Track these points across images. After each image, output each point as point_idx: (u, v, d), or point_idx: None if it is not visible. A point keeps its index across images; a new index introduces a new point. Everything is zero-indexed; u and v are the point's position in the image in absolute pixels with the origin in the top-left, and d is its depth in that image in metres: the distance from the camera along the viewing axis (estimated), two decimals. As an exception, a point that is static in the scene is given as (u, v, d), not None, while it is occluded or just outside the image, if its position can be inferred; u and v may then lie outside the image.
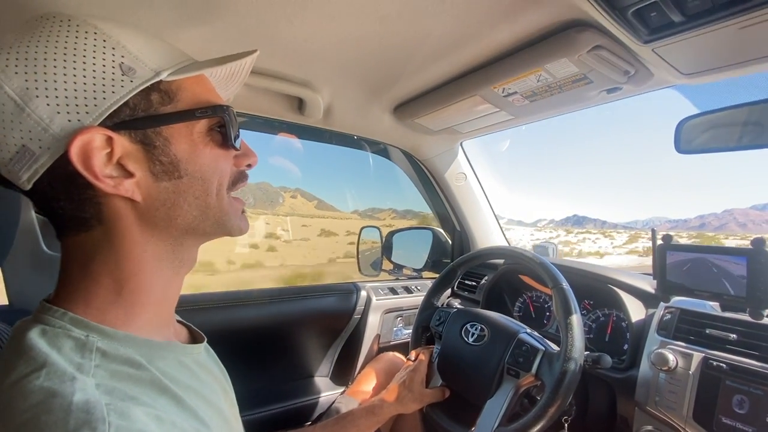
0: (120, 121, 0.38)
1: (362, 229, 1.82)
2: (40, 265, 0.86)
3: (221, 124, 0.44)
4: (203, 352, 0.53)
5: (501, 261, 1.34)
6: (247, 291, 1.21)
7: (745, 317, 0.77)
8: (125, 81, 0.38)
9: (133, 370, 0.37)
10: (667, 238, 0.83)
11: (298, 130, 1.26)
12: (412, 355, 1.09)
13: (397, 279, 1.67)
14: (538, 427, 0.79)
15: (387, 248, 1.77)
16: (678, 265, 0.81)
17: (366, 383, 1.20)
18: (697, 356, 0.79)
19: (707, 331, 0.81)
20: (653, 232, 0.85)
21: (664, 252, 0.83)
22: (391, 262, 1.76)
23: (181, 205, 0.42)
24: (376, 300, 1.35)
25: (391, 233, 1.80)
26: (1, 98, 0.36)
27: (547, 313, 1.26)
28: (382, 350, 1.36)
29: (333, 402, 1.21)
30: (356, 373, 1.30)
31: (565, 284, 0.88)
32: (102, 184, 0.37)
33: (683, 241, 0.93)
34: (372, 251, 1.82)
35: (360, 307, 1.33)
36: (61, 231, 0.41)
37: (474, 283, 1.48)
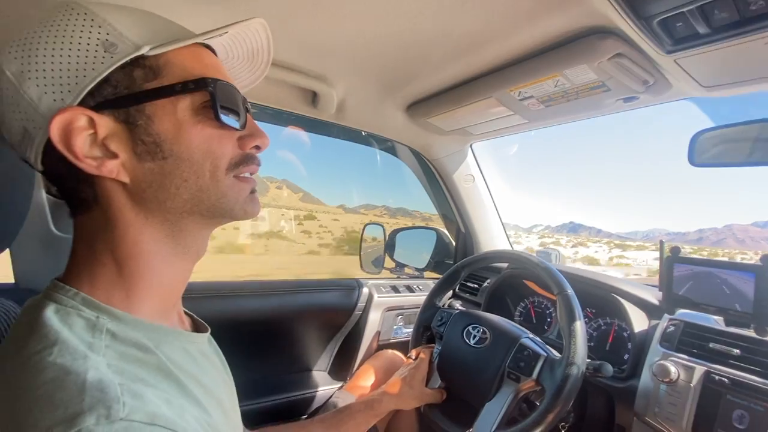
0: (103, 100, 0.37)
1: (366, 225, 1.82)
2: (48, 245, 0.86)
3: (210, 100, 0.41)
4: (206, 342, 0.53)
5: (504, 265, 1.34)
6: (249, 281, 1.21)
7: (749, 333, 0.77)
8: (106, 58, 0.37)
9: (141, 354, 0.37)
10: (675, 250, 0.83)
11: (309, 123, 1.26)
12: (413, 353, 1.09)
13: (399, 277, 1.68)
14: (538, 430, 0.79)
15: (390, 246, 1.77)
16: (685, 278, 0.81)
17: (364, 379, 1.20)
18: (699, 369, 0.79)
19: (710, 345, 0.81)
20: (661, 243, 0.85)
21: (671, 264, 0.83)
22: (394, 260, 1.77)
23: (167, 187, 0.40)
24: (378, 297, 1.35)
25: (395, 232, 1.80)
26: (5, 82, 0.37)
27: (549, 319, 1.26)
28: (381, 348, 1.36)
29: (330, 396, 1.22)
30: (355, 369, 1.31)
31: (570, 291, 0.88)
32: (84, 165, 0.37)
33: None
34: (374, 248, 1.83)
35: (361, 304, 1.33)
36: (72, 211, 0.42)
37: (476, 286, 1.48)
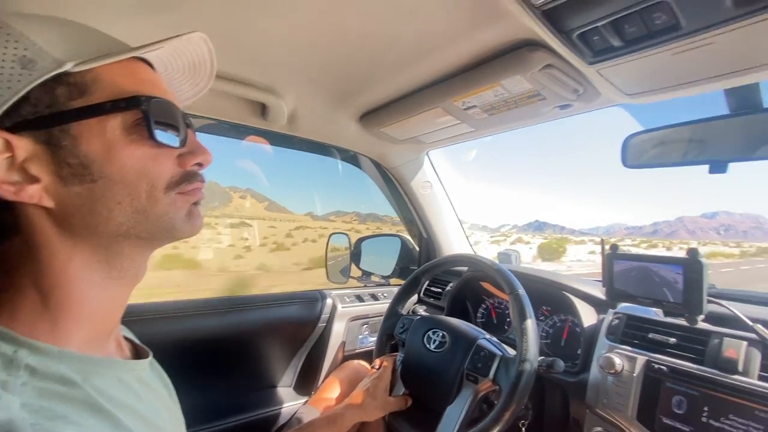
0: (21, 120, 0.35)
1: (331, 235, 1.81)
2: None
3: (144, 119, 0.39)
4: (147, 367, 0.50)
5: (465, 268, 1.37)
6: (206, 299, 1.17)
7: (683, 322, 0.82)
8: (23, 75, 0.34)
9: (65, 389, 0.35)
10: (614, 247, 0.88)
11: (266, 135, 1.25)
12: (377, 362, 1.09)
13: (366, 286, 1.67)
14: (497, 429, 0.81)
15: (356, 255, 1.76)
16: (624, 273, 0.85)
17: (329, 392, 1.19)
18: (641, 359, 0.84)
19: (650, 336, 0.86)
20: (602, 241, 0.90)
21: (611, 261, 0.87)
22: (360, 269, 1.76)
23: (99, 212, 0.38)
24: (342, 308, 1.34)
25: (360, 240, 1.80)
26: None
27: (508, 319, 1.29)
28: (347, 358, 1.35)
29: (294, 413, 1.19)
30: (320, 382, 1.29)
31: (521, 290, 0.91)
32: (1, 191, 0.35)
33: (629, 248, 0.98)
34: (341, 258, 1.82)
35: (325, 315, 1.32)
36: None
37: (439, 290, 1.50)
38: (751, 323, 0.72)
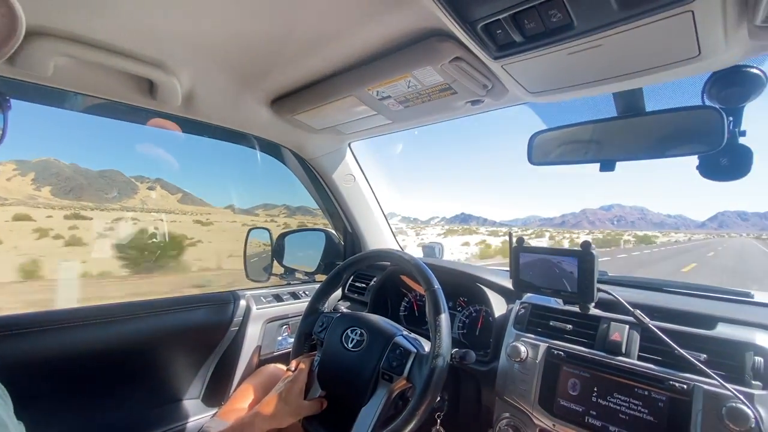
0: None
1: (250, 230, 1.68)
2: None
3: None
4: None
5: (388, 263, 1.35)
6: (99, 306, 1.01)
7: (578, 309, 0.89)
8: None
9: None
10: (520, 240, 0.91)
11: (177, 122, 1.09)
12: (293, 365, 1.02)
13: (289, 284, 1.59)
14: (410, 427, 0.79)
15: (278, 251, 1.67)
16: (528, 265, 0.89)
17: (241, 401, 1.10)
18: (543, 346, 0.89)
19: (551, 323, 0.92)
20: (510, 235, 0.93)
21: (517, 253, 0.91)
22: (283, 266, 1.67)
23: None
24: (257, 309, 1.25)
25: (283, 235, 1.70)
26: None
27: None
28: (263, 363, 1.26)
29: (201, 427, 1.08)
30: (232, 391, 1.18)
31: (437, 285, 0.91)
32: None
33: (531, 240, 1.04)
34: (263, 255, 1.70)
35: (238, 318, 1.21)
36: None
37: (364, 285, 1.47)
38: (631, 308, 0.79)
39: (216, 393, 1.20)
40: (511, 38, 0.58)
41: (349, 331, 0.98)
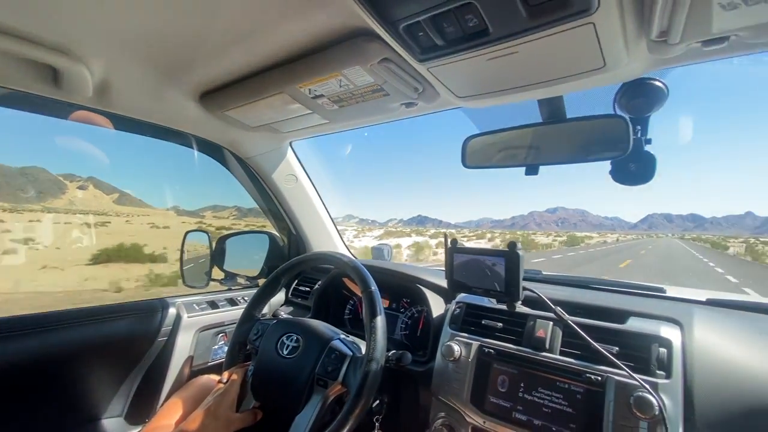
0: None
1: (187, 233, 1.58)
2: None
3: None
4: None
5: (333, 266, 1.33)
6: (7, 318, 0.90)
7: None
8: None
9: None
10: (454, 242, 0.93)
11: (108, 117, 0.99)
12: (224, 376, 0.97)
13: (230, 289, 1.51)
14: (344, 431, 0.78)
15: (218, 255, 1.58)
16: (462, 265, 0.91)
17: (168, 417, 1.02)
18: (475, 345, 0.91)
19: (483, 322, 0.94)
20: (446, 236, 0.94)
21: (452, 254, 0.92)
22: (223, 270, 1.58)
23: None
24: (189, 317, 1.17)
25: (223, 238, 1.61)
26: None
27: None
28: (195, 374, 1.19)
29: None
30: (159, 406, 1.10)
31: (373, 287, 0.90)
32: None
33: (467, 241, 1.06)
34: (202, 260, 1.61)
35: (166, 327, 1.13)
36: None
37: (308, 289, 1.43)
38: (552, 306, 0.83)
39: (141, 409, 1.11)
40: (434, 41, 0.59)
41: (284, 337, 0.95)
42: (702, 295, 1.07)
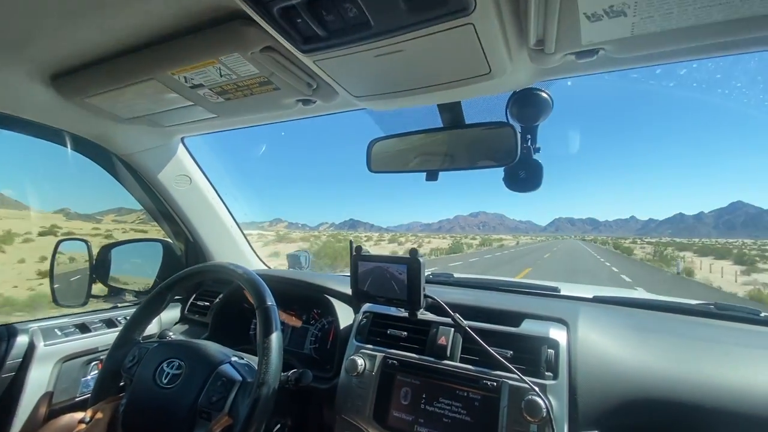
0: None
1: (59, 242, 1.33)
2: None
3: None
4: None
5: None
6: None
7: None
8: None
9: None
10: (358, 249, 0.88)
11: None
12: (87, 414, 0.81)
13: (116, 307, 1.30)
14: None
15: (101, 268, 1.35)
16: (366, 273, 0.87)
17: None
18: (379, 357, 0.87)
19: (389, 332, 0.91)
20: (351, 243, 0.89)
21: (356, 262, 0.87)
22: (108, 285, 1.36)
23: None
24: (46, 345, 0.96)
25: (107, 247, 1.39)
26: None
27: (287, 329, 1.20)
28: (56, 413, 0.98)
29: None
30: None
31: (269, 303, 0.82)
32: None
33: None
34: (82, 273, 1.36)
35: (13, 361, 0.92)
36: None
37: (207, 304, 1.29)
38: (450, 312, 0.82)
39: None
40: (314, 31, 0.53)
41: (165, 363, 0.82)
42: (590, 292, 1.16)
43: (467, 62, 0.57)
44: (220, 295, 1.24)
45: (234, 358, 0.85)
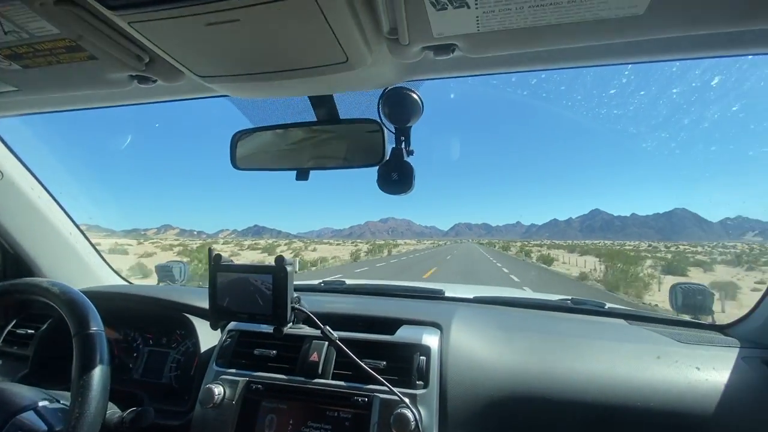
0: None
1: None
2: None
3: None
4: None
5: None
6: None
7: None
8: None
9: None
10: (217, 258, 0.76)
11: None
12: None
13: None
14: None
15: None
16: (227, 286, 0.75)
17: None
18: (242, 382, 0.75)
19: (255, 352, 0.80)
20: (210, 252, 0.77)
21: (215, 273, 0.75)
22: None
23: None
24: None
25: None
26: None
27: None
28: None
29: None
30: None
31: (94, 328, 0.66)
32: None
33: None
34: None
35: None
36: None
37: (32, 332, 1.01)
38: (320, 324, 0.74)
39: None
40: None
41: None
42: (471, 292, 1.20)
43: (318, 45, 0.51)
44: (49, 321, 0.99)
45: (43, 403, 0.66)
